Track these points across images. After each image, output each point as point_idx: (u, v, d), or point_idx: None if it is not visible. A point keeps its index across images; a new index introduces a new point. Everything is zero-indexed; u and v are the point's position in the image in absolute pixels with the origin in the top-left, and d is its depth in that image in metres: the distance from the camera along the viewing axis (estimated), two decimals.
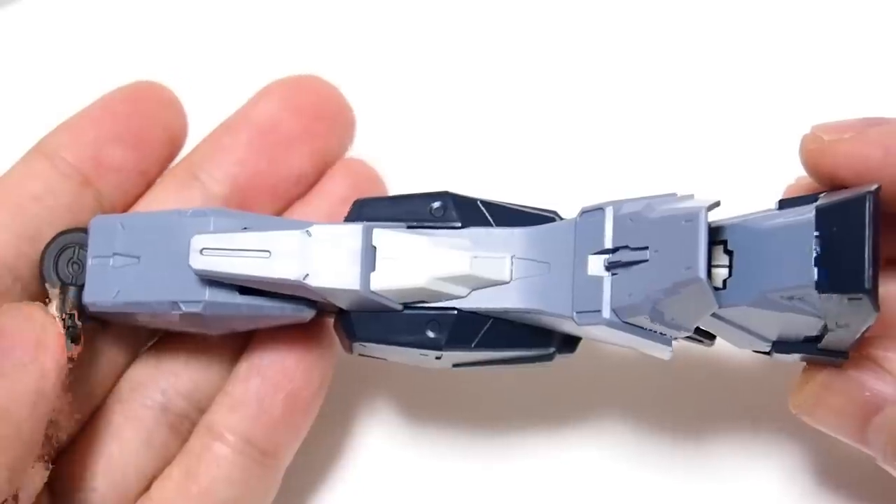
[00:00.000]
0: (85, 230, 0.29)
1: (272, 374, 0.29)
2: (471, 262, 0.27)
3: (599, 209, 0.27)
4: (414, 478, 0.34)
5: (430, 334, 0.27)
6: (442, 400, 0.35)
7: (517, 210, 0.29)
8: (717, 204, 0.25)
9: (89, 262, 0.28)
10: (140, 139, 0.31)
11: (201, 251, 0.27)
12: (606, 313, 0.26)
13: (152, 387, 0.30)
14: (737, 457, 0.34)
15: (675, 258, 0.24)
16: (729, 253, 0.25)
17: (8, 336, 0.26)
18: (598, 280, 0.26)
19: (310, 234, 0.27)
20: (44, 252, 0.29)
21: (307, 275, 0.27)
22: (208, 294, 0.27)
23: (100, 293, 0.28)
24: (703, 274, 0.24)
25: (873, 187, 0.24)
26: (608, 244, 0.26)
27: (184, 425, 0.30)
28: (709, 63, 0.38)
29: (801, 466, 0.33)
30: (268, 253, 0.27)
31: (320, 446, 0.34)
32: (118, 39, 0.39)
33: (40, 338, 0.26)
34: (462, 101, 0.38)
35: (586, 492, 0.34)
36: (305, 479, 0.34)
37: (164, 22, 0.40)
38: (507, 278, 0.28)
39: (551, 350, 0.29)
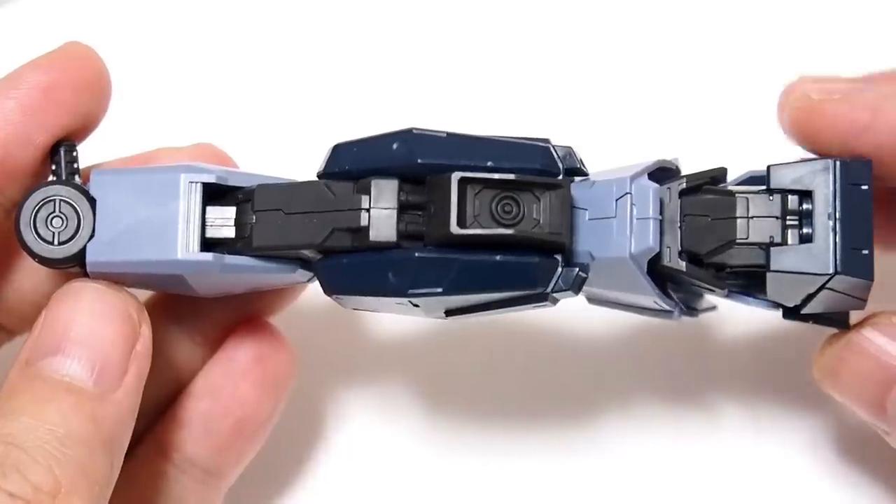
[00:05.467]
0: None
1: (224, 398, 0.29)
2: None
3: None
4: (413, 473, 0.35)
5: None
6: (442, 393, 0.35)
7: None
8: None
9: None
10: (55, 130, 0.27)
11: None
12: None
13: None
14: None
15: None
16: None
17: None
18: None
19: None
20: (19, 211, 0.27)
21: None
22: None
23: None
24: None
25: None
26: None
27: None
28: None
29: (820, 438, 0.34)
30: None
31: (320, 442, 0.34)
32: (118, 39, 0.39)
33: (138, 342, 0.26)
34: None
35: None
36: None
37: (164, 22, 0.40)
38: None
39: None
